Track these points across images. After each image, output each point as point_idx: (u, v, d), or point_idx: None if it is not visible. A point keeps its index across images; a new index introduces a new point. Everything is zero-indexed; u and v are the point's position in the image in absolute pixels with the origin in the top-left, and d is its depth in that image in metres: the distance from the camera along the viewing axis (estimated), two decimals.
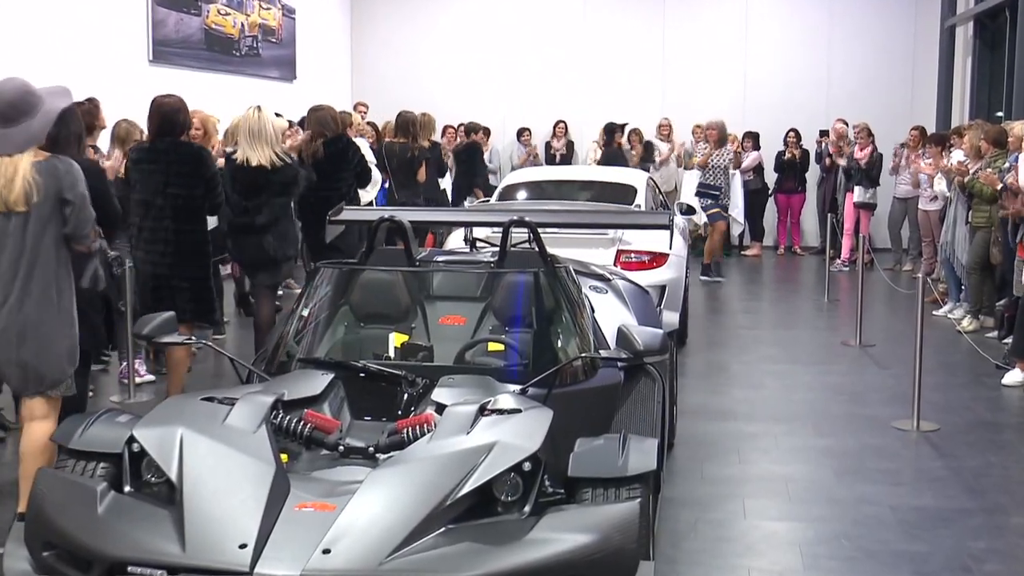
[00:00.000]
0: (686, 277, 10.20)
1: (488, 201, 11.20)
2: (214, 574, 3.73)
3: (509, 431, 4.33)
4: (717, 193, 14.73)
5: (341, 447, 4.50)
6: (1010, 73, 15.10)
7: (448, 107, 18.09)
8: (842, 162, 16.58)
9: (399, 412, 4.86)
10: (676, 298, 9.61)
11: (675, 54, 19.48)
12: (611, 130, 17.23)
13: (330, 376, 5.01)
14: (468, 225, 8.71)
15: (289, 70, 17.83)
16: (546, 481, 4.18)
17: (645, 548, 4.03)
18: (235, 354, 6.01)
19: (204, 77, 14.73)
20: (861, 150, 16.28)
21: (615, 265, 8.90)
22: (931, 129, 16.54)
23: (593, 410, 5.27)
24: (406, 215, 6.28)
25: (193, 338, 5.92)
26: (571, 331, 5.60)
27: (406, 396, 4.96)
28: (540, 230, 6.11)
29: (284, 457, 4.38)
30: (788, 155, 18.09)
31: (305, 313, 5.68)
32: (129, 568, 3.79)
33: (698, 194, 14.80)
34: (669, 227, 7.34)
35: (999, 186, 10.18)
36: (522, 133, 18.88)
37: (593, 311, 6.06)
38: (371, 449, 4.47)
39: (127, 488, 4.24)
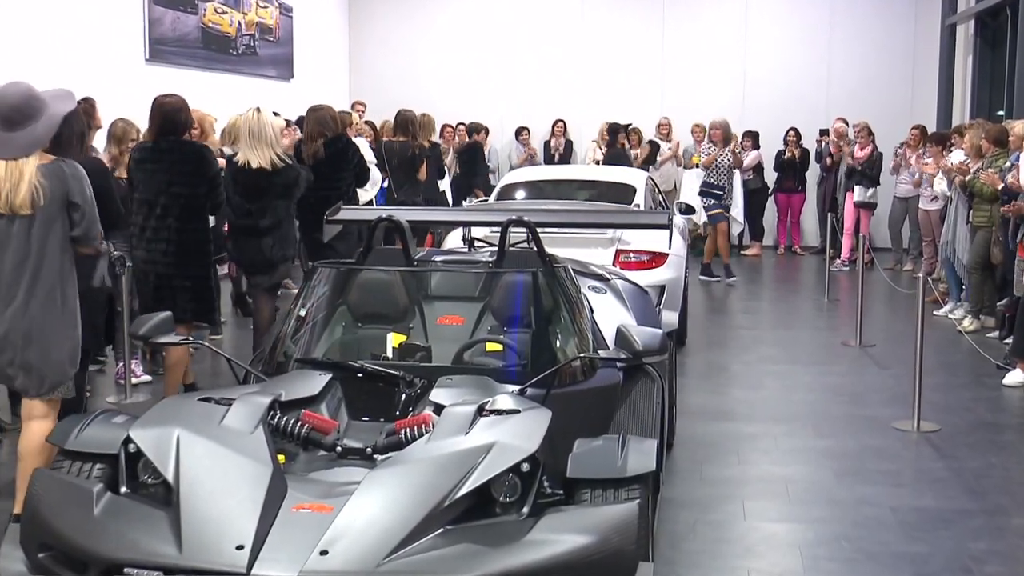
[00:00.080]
0: (685, 277, 10.18)
1: (487, 201, 11.17)
2: (211, 575, 3.70)
3: (507, 432, 4.32)
4: (720, 193, 14.68)
5: (339, 448, 4.49)
6: (1011, 72, 15.08)
7: (446, 106, 18.06)
8: (849, 162, 16.50)
9: (397, 413, 4.84)
10: (675, 298, 9.59)
11: (675, 53, 19.46)
12: (614, 130, 17.21)
13: (328, 376, 5.00)
14: (466, 225, 8.71)
15: (286, 69, 17.81)
16: (545, 482, 4.17)
17: (644, 549, 4.00)
18: (232, 354, 6.01)
19: (201, 76, 14.70)
20: (861, 149, 16.26)
21: (614, 265, 8.89)
22: (932, 128, 16.51)
23: (592, 410, 5.25)
24: (404, 215, 6.27)
25: (190, 338, 5.90)
26: (570, 331, 5.58)
27: (404, 397, 4.94)
28: (539, 230, 6.10)
29: (281, 458, 4.37)
30: (788, 154, 18.07)
31: (302, 313, 5.66)
32: (125, 569, 3.78)
33: (701, 194, 14.78)
34: (668, 227, 7.32)
35: (1000, 185, 10.16)
36: (521, 132, 18.85)
37: (592, 311, 6.04)
38: (369, 450, 4.46)
39: (123, 489, 4.22)
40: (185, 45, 14.56)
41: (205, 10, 15.04)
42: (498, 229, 6.21)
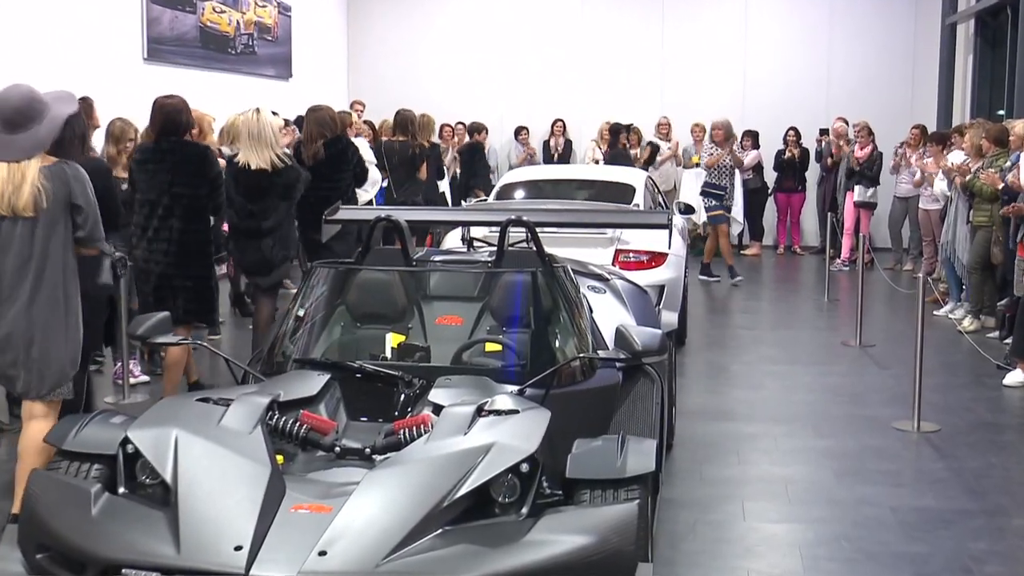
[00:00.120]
0: (685, 277, 10.17)
1: (486, 200, 11.17)
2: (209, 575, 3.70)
3: (507, 432, 4.31)
4: (722, 194, 14.65)
5: (337, 448, 4.48)
6: (1011, 71, 15.07)
7: (445, 105, 18.02)
8: (853, 161, 16.48)
9: (396, 413, 4.84)
10: (675, 298, 9.58)
11: (674, 52, 19.44)
12: (616, 131, 17.20)
13: (326, 377, 4.99)
14: (465, 224, 8.70)
15: (285, 68, 17.78)
16: (544, 482, 4.16)
17: (643, 550, 4.00)
18: (231, 354, 6.01)
19: (199, 75, 14.67)
20: (861, 149, 16.25)
21: (613, 265, 8.87)
22: (932, 128, 16.50)
23: (591, 411, 5.25)
24: (403, 214, 6.26)
25: (188, 338, 5.90)
26: (569, 331, 5.57)
27: (403, 397, 4.93)
28: (538, 229, 6.10)
29: (280, 458, 4.36)
30: (788, 154, 18.05)
31: (301, 313, 5.66)
32: (123, 570, 3.77)
33: (703, 194, 14.76)
34: (668, 226, 7.31)
35: (1000, 185, 10.15)
36: (520, 132, 18.82)
37: (591, 311, 6.03)
38: (367, 450, 4.45)
39: (121, 490, 4.21)
40: (183, 44, 14.53)
41: (203, 9, 15.01)
42: (497, 229, 6.20)
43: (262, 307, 8.45)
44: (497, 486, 4.05)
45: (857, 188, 16.25)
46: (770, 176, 18.23)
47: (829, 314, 12.85)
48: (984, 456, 7.25)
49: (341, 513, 3.87)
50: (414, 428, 4.50)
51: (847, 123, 16.95)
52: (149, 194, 7.58)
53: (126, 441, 4.27)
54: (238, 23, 16.10)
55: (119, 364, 8.53)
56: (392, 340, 5.52)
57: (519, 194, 10.79)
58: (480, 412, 4.52)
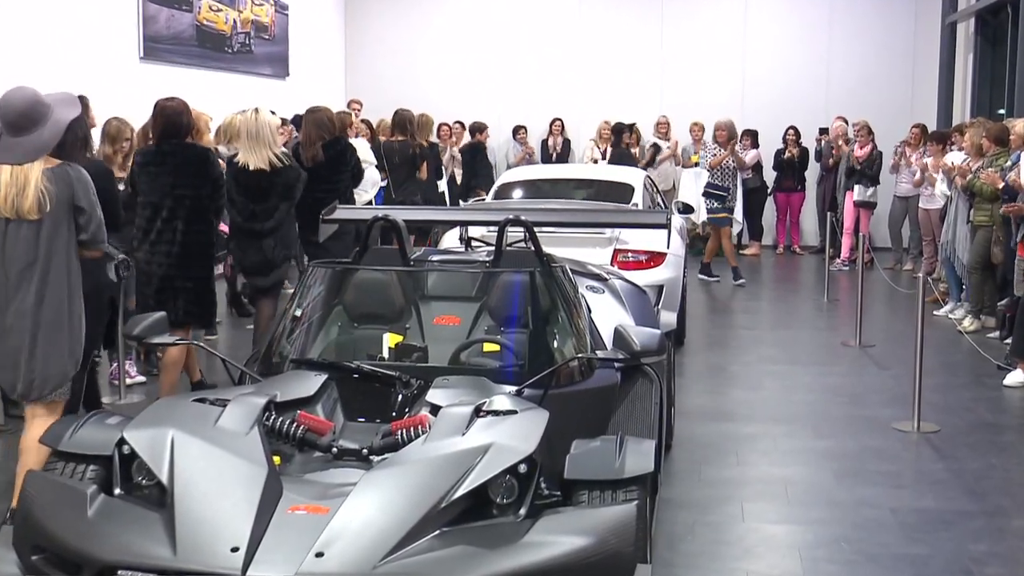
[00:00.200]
0: (684, 277, 10.15)
1: (484, 200, 11.16)
2: None
3: (504, 433, 4.29)
4: (725, 195, 14.59)
5: (334, 449, 4.46)
6: (1012, 70, 15.06)
7: (443, 105, 17.98)
8: (853, 159, 16.45)
9: (393, 413, 4.82)
10: (674, 298, 9.57)
11: (673, 51, 19.42)
12: (619, 130, 17.19)
13: (323, 377, 4.97)
14: (463, 224, 8.68)
15: (282, 67, 17.76)
16: (542, 483, 4.15)
17: (642, 551, 3.98)
18: (227, 355, 5.98)
19: (196, 74, 14.65)
20: (861, 148, 16.23)
21: (612, 264, 8.86)
22: (932, 127, 16.48)
23: (590, 411, 5.23)
24: (400, 214, 6.25)
25: (183, 339, 5.89)
26: (567, 331, 5.56)
27: (400, 397, 4.91)
28: (536, 229, 6.08)
29: (277, 459, 4.34)
30: (787, 154, 18.03)
31: (298, 313, 5.64)
32: (119, 572, 3.76)
33: (706, 195, 14.71)
34: (667, 226, 7.29)
35: (1000, 185, 10.13)
36: (518, 131, 18.78)
37: (590, 311, 6.01)
38: (365, 451, 4.43)
39: (117, 491, 4.19)
40: (180, 43, 14.51)
41: (200, 8, 14.99)
42: (495, 229, 6.18)
43: (264, 307, 8.44)
44: (495, 487, 4.03)
45: (857, 187, 16.23)
46: (769, 175, 18.20)
47: (829, 314, 12.83)
48: (984, 457, 7.23)
49: (338, 514, 3.85)
50: (412, 429, 4.48)
51: (847, 122, 16.93)
52: (151, 197, 7.59)
53: (122, 442, 4.24)
54: (235, 22, 16.08)
55: (115, 364, 8.51)
56: (390, 340, 5.50)
57: (517, 193, 10.78)
58: (478, 413, 4.50)
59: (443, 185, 14.82)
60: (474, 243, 8.24)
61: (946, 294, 12.22)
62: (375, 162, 11.94)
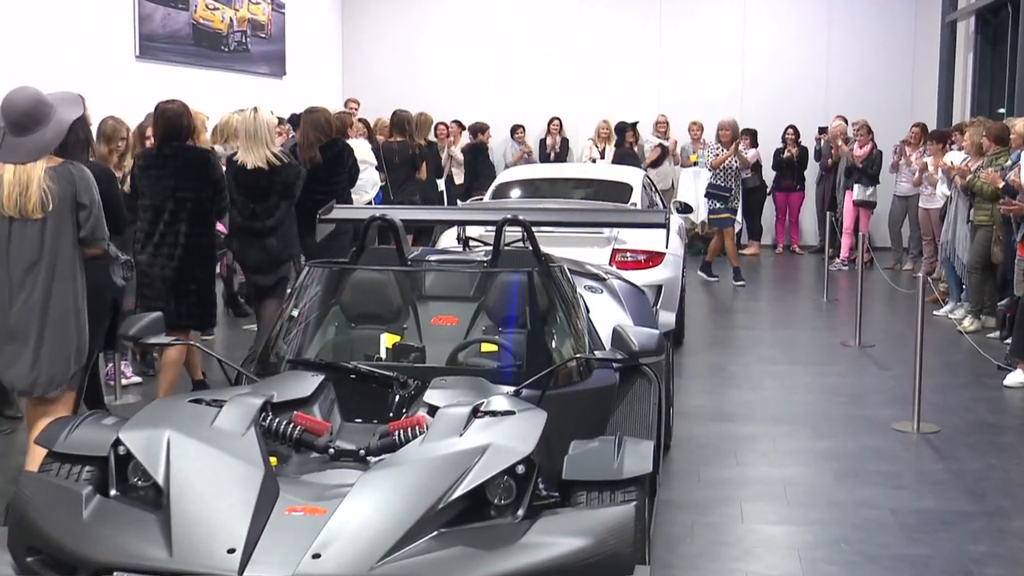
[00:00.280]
0: (683, 277, 10.13)
1: (482, 199, 11.15)
2: None
3: (502, 433, 4.28)
4: (727, 195, 14.53)
5: (331, 450, 4.44)
6: (1012, 69, 15.04)
7: (441, 104, 17.90)
8: (850, 159, 16.42)
9: (390, 414, 4.80)
10: (673, 298, 9.55)
11: (672, 51, 19.41)
12: (622, 129, 17.16)
13: (320, 377, 4.96)
14: (461, 224, 8.66)
15: (279, 66, 17.74)
16: (540, 484, 4.13)
17: (641, 552, 3.96)
18: (224, 355, 5.97)
19: (192, 73, 14.63)
20: (861, 147, 16.21)
21: (610, 264, 8.85)
22: (932, 126, 16.46)
23: (588, 412, 5.22)
24: (398, 214, 6.23)
25: (179, 339, 5.88)
26: (566, 332, 5.55)
27: (398, 398, 4.89)
28: (534, 229, 6.05)
29: (273, 460, 4.32)
30: (787, 153, 18.01)
31: (295, 313, 5.62)
32: (115, 573, 3.75)
33: (708, 195, 14.67)
34: (666, 226, 7.28)
35: (1000, 184, 10.10)
36: (516, 130, 18.74)
37: (588, 311, 6.00)
38: (362, 452, 4.41)
39: (113, 492, 4.17)
40: (176, 42, 14.49)
41: (196, 6, 14.97)
42: (493, 228, 6.17)
43: (269, 307, 8.42)
44: (493, 488, 4.01)
45: (856, 187, 16.21)
46: (769, 175, 18.19)
47: (828, 314, 12.82)
48: (984, 457, 7.21)
49: (335, 515, 3.84)
50: (409, 429, 4.46)
51: (846, 122, 16.91)
52: (153, 199, 7.61)
53: (118, 443, 4.22)
54: (231, 20, 16.06)
55: (111, 365, 8.50)
56: (387, 340, 5.48)
57: (515, 193, 10.77)
58: (476, 413, 4.48)
59: (442, 184, 14.80)
60: (472, 243, 8.22)
61: (946, 294, 12.20)
62: (375, 163, 11.92)
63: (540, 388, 4.95)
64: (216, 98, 13.18)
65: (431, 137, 14.75)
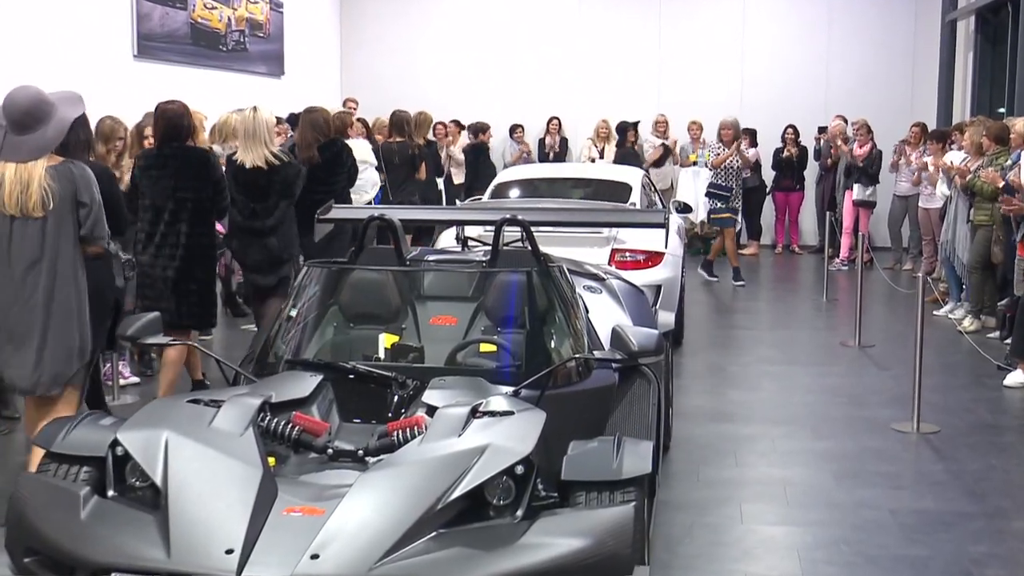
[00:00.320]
0: (682, 277, 10.12)
1: (480, 199, 11.15)
2: None
3: (501, 434, 4.27)
4: (728, 195, 14.48)
5: (330, 450, 4.43)
6: (1012, 69, 15.03)
7: (440, 103, 17.86)
8: (849, 159, 16.38)
9: (389, 414, 4.79)
10: (672, 298, 9.54)
11: (672, 50, 19.38)
12: (623, 129, 17.14)
13: (319, 378, 4.95)
14: (460, 224, 8.65)
15: (277, 65, 17.70)
16: (539, 484, 4.13)
17: (640, 553, 3.95)
18: (222, 355, 5.96)
19: (190, 72, 14.57)
20: (860, 147, 16.19)
21: (610, 264, 8.83)
22: (932, 126, 16.44)
23: (587, 412, 5.21)
24: (396, 213, 6.23)
25: (176, 339, 5.88)
26: (565, 332, 5.54)
27: (396, 398, 4.88)
28: (533, 228, 6.04)
29: (272, 460, 4.32)
30: (786, 153, 17.99)
31: (293, 313, 5.62)
32: (113, 574, 3.74)
33: (708, 195, 14.64)
34: (665, 226, 7.27)
35: (1001, 184, 10.09)
36: (515, 130, 18.70)
37: (587, 311, 5.99)
38: (360, 452, 4.41)
39: (111, 492, 4.17)
40: (174, 41, 14.45)
41: (194, 5, 14.93)
42: (492, 228, 6.16)
43: (270, 307, 8.41)
44: (492, 488, 4.01)
45: (856, 187, 16.19)
46: (768, 175, 18.17)
47: (828, 314, 12.81)
48: (984, 458, 7.20)
49: (334, 516, 3.83)
50: (408, 430, 4.45)
51: (846, 121, 16.89)
52: (154, 199, 7.62)
53: (115, 443, 4.22)
54: (229, 19, 16.03)
55: (108, 365, 8.48)
56: (385, 340, 5.48)
57: (514, 193, 10.75)
58: (474, 413, 4.47)
59: (441, 184, 14.79)
60: (471, 243, 8.21)
61: (946, 294, 12.19)
62: (375, 163, 11.92)
63: (539, 388, 4.94)
64: (214, 98, 13.15)
65: (430, 136, 14.75)
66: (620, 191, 10.39)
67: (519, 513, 3.99)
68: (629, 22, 19.47)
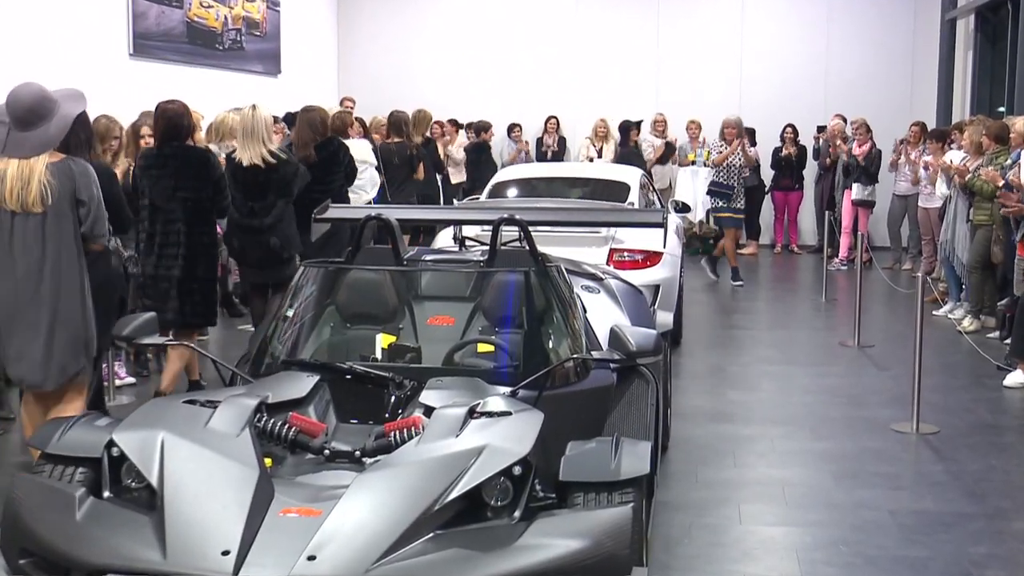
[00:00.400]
0: (680, 276, 10.10)
1: (479, 199, 11.14)
2: None
3: (499, 434, 4.26)
4: (730, 193, 14.43)
5: (327, 451, 4.43)
6: (1012, 68, 15.02)
7: (437, 103, 17.81)
8: (845, 158, 16.35)
9: (386, 415, 4.79)
10: (670, 298, 9.52)
11: (670, 49, 19.38)
12: (626, 128, 17.13)
13: (315, 378, 4.94)
14: (457, 223, 8.64)
15: (273, 64, 17.68)
16: (537, 485, 4.11)
17: (638, 554, 3.94)
18: (218, 355, 5.95)
19: (186, 71, 14.58)
20: (860, 146, 16.17)
21: (608, 264, 8.83)
22: (931, 125, 16.42)
23: (585, 412, 5.20)
24: (393, 213, 6.21)
25: (173, 339, 5.88)
26: (563, 332, 5.52)
27: (393, 398, 4.88)
28: (531, 228, 6.03)
29: (268, 461, 4.31)
30: (785, 152, 17.98)
31: (290, 314, 5.60)
32: (108, 575, 3.72)
33: (710, 193, 14.60)
34: (663, 225, 7.26)
35: (1000, 183, 10.08)
36: (512, 129, 18.69)
37: (585, 311, 5.98)
38: (357, 453, 4.40)
39: (106, 493, 4.15)
40: (170, 40, 14.44)
41: (190, 4, 14.93)
42: (489, 228, 6.15)
43: (271, 306, 8.41)
44: (489, 489, 4.00)
45: (855, 186, 16.16)
46: (767, 174, 18.15)
47: (827, 314, 12.80)
48: (984, 458, 7.19)
49: (330, 517, 3.82)
50: (405, 430, 4.45)
51: (845, 120, 16.87)
52: (154, 199, 7.66)
53: (111, 444, 4.20)
54: (226, 18, 16.02)
55: (104, 366, 8.46)
56: (383, 341, 5.46)
57: (512, 192, 10.74)
58: (472, 414, 4.47)
59: (439, 182, 14.79)
60: (468, 242, 8.20)
61: (945, 294, 12.18)
62: (375, 163, 11.90)
63: (537, 389, 4.93)
64: (211, 97, 13.13)
65: (428, 134, 14.73)
66: (618, 191, 10.38)
67: (517, 514, 3.98)
68: (627, 21, 19.47)
